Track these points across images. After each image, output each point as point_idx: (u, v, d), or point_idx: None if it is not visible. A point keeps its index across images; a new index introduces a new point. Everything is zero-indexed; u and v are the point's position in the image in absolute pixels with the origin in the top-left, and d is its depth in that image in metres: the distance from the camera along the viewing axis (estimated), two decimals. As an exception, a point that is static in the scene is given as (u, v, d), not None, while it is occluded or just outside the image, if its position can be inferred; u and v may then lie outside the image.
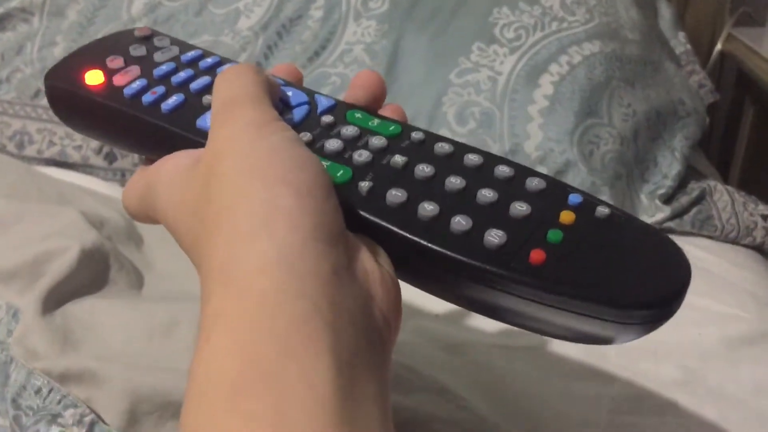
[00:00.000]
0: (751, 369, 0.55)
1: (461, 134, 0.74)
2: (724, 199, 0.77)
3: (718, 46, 1.17)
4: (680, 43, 0.99)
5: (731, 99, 1.25)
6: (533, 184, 0.28)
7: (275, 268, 0.21)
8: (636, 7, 0.88)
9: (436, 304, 0.58)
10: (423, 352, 0.52)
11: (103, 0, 0.87)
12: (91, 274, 0.52)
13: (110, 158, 0.78)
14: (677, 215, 0.74)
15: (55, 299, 0.48)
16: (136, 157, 0.78)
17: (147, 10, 0.85)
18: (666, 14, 1.00)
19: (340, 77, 0.79)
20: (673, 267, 0.26)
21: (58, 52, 0.85)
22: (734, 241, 0.75)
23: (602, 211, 0.27)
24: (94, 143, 0.78)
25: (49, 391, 0.42)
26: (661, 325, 0.25)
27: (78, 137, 0.78)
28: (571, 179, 0.72)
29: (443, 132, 0.74)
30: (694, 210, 0.75)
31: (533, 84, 0.76)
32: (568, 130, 0.73)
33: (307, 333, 0.20)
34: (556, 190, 0.28)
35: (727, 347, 0.58)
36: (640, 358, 0.55)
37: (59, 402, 0.42)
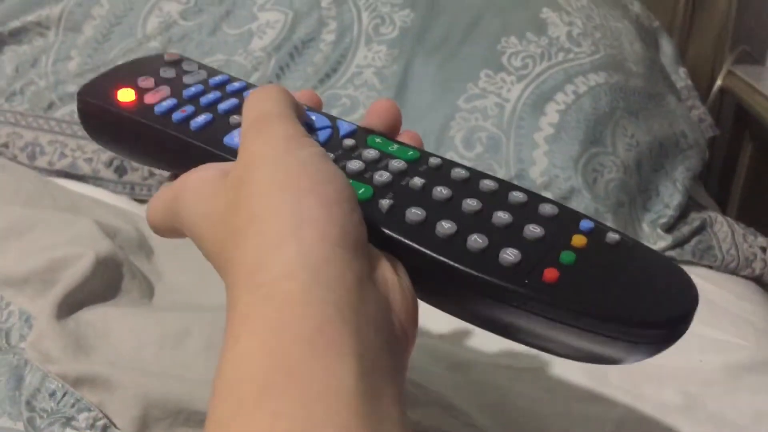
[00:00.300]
0: (750, 396, 0.56)
1: (468, 158, 0.75)
2: (724, 230, 0.78)
3: (718, 83, 1.19)
4: (681, 79, 1.01)
5: (730, 134, 1.27)
6: (546, 209, 0.29)
7: (302, 273, 0.22)
8: (640, 42, 0.91)
9: (442, 325, 0.58)
10: (429, 369, 0.53)
11: (118, 17, 0.88)
12: (104, 282, 0.52)
13: (120, 171, 0.79)
14: (678, 244, 0.75)
15: (69, 305, 0.49)
16: (145, 170, 0.79)
17: (162, 29, 0.87)
18: (668, 50, 1.02)
19: (350, 99, 0.80)
20: (681, 290, 0.27)
21: (73, 67, 0.86)
22: (734, 272, 0.76)
23: (613, 236, 0.28)
24: (105, 156, 0.79)
25: (63, 395, 0.43)
26: (669, 346, 0.26)
27: (89, 150, 0.80)
28: (575, 205, 0.73)
29: (450, 155, 0.75)
30: (694, 240, 0.76)
31: (539, 112, 0.77)
32: (573, 157, 0.75)
33: (332, 336, 0.21)
34: (568, 216, 0.29)
35: (727, 374, 0.59)
36: (642, 382, 0.56)
37: (73, 405, 0.42)
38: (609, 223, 0.73)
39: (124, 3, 0.89)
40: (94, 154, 0.79)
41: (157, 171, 0.79)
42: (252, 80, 0.78)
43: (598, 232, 0.28)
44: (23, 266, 0.53)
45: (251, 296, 0.23)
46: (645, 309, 0.26)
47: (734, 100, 1.20)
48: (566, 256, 0.26)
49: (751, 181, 1.21)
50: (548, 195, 0.73)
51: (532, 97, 0.78)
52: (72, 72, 0.86)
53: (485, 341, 0.58)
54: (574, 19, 0.86)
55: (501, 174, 0.74)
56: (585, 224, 0.28)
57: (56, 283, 0.50)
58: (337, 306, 0.22)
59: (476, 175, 0.31)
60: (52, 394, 0.43)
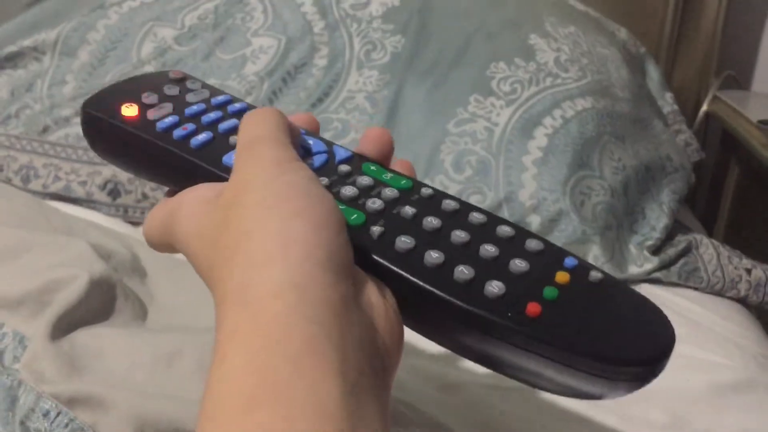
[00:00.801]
0: (736, 415, 0.57)
1: (458, 181, 0.76)
2: (709, 252, 0.80)
3: (704, 107, 1.21)
4: (667, 103, 1.03)
5: (716, 158, 1.29)
6: (532, 245, 0.30)
7: (288, 293, 0.23)
8: (626, 68, 0.92)
9: (432, 346, 0.59)
10: (419, 390, 0.54)
11: (113, 42, 0.90)
12: (98, 303, 0.53)
13: (114, 194, 0.80)
14: (665, 266, 0.77)
15: (64, 326, 0.49)
16: (138, 193, 0.80)
17: (156, 54, 0.88)
18: (654, 75, 1.04)
19: (341, 123, 0.82)
20: (659, 330, 0.28)
21: (68, 91, 0.87)
22: (719, 293, 0.77)
23: (595, 275, 0.29)
24: (99, 179, 0.80)
25: (57, 414, 0.43)
26: (647, 384, 0.27)
27: (83, 173, 0.80)
28: (564, 228, 0.74)
29: (440, 178, 0.76)
30: (681, 262, 0.78)
31: (528, 136, 0.79)
32: (561, 180, 0.76)
33: (317, 355, 0.22)
34: (553, 252, 0.30)
35: (713, 394, 0.59)
36: (629, 402, 0.56)
37: (66, 425, 0.43)
38: (596, 246, 0.74)
39: (119, 28, 0.90)
40: (89, 177, 0.80)
41: (150, 194, 0.79)
42: (245, 104, 0.79)
43: (581, 269, 0.29)
44: (18, 288, 0.53)
45: (238, 314, 0.23)
46: (624, 347, 0.26)
47: (720, 125, 1.22)
48: (549, 292, 0.27)
49: (738, 203, 1.23)
50: (537, 217, 0.75)
51: (520, 122, 0.80)
52: (67, 96, 0.87)
53: (475, 363, 0.58)
54: (561, 45, 0.88)
55: (490, 197, 0.75)
56: (569, 261, 0.29)
57: (50, 304, 0.51)
58: (322, 325, 0.23)
59: (466, 207, 0.31)
60: (46, 414, 0.43)
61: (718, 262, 0.78)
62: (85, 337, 0.50)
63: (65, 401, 0.44)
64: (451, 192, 0.60)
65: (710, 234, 1.16)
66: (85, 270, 0.54)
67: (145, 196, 0.80)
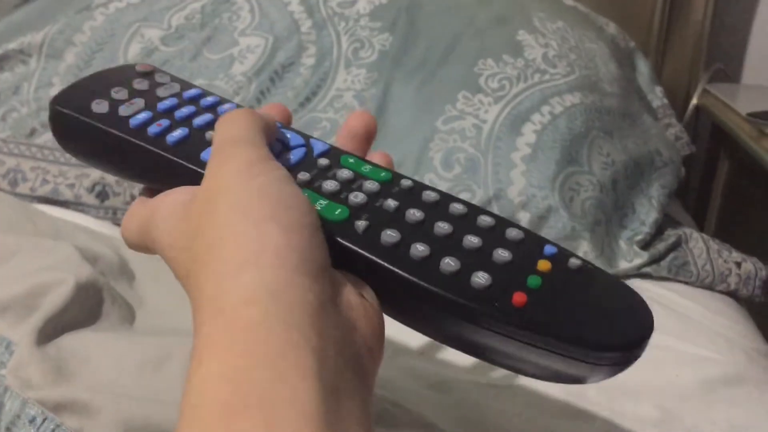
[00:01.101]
0: (725, 410, 0.57)
1: (447, 179, 0.76)
2: (699, 246, 0.80)
3: (694, 101, 1.21)
4: (657, 97, 1.03)
5: (706, 151, 1.29)
6: (513, 234, 0.30)
7: (263, 299, 0.23)
8: (615, 62, 0.92)
9: (421, 344, 0.59)
10: (409, 389, 0.54)
11: (100, 44, 0.89)
12: (85, 307, 0.53)
13: (102, 197, 0.79)
14: (654, 261, 0.77)
15: (50, 331, 0.49)
16: (127, 195, 0.80)
17: (143, 55, 0.88)
18: (643, 69, 1.04)
19: (330, 122, 0.81)
20: (638, 316, 0.28)
21: (55, 93, 0.87)
22: (709, 287, 0.77)
23: (574, 262, 0.29)
24: (87, 182, 0.79)
25: (43, 421, 0.43)
26: (627, 367, 0.28)
27: (71, 176, 0.80)
28: (553, 224, 0.74)
29: (430, 176, 0.76)
30: (670, 256, 0.78)
31: (516, 132, 0.79)
32: (549, 177, 0.76)
33: (295, 359, 0.22)
34: (533, 241, 0.30)
35: (703, 388, 0.59)
36: (619, 397, 0.56)
37: (53, 431, 0.42)
38: (586, 242, 0.74)
39: (106, 30, 0.90)
40: (77, 180, 0.80)
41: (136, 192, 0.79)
42: (233, 105, 0.79)
43: (560, 257, 0.29)
44: (4, 292, 0.53)
45: (213, 321, 0.23)
46: (606, 332, 0.27)
47: (710, 118, 1.22)
48: (533, 281, 0.28)
49: (728, 197, 1.23)
50: (526, 214, 0.75)
51: (509, 118, 0.80)
52: (54, 98, 0.86)
53: (465, 360, 0.59)
54: (549, 41, 0.88)
55: (480, 194, 0.75)
56: (548, 249, 0.29)
57: (37, 309, 0.51)
58: (299, 329, 0.22)
59: (446, 198, 0.31)
60: (32, 420, 0.43)
61: (708, 256, 0.78)
62: (71, 341, 0.49)
63: (51, 407, 0.43)
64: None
65: (701, 227, 1.16)
66: (72, 274, 0.54)
67: (133, 198, 0.80)
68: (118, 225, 0.79)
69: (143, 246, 0.31)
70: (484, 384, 0.56)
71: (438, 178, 0.76)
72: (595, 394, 0.57)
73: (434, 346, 0.59)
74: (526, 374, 0.29)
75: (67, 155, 0.81)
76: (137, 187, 0.79)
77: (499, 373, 0.56)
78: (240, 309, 0.23)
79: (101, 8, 0.92)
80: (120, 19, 0.91)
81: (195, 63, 0.86)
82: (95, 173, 0.80)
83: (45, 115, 0.85)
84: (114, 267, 0.61)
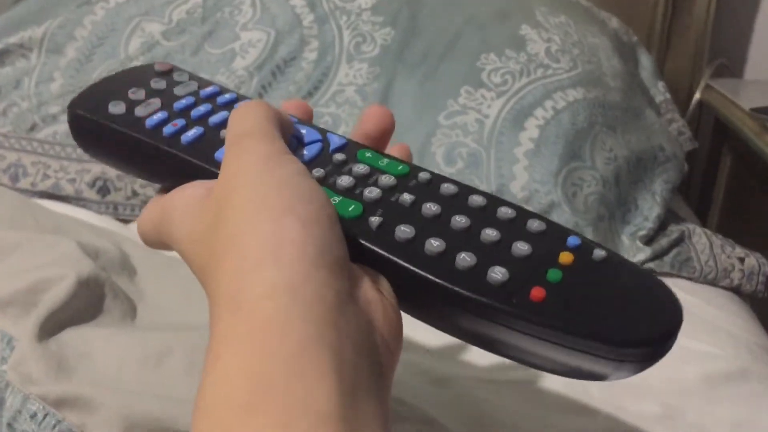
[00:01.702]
0: (729, 406, 0.57)
1: (449, 174, 0.76)
2: (702, 241, 0.79)
3: (697, 96, 1.21)
4: (660, 92, 1.02)
5: (709, 147, 1.29)
6: (534, 225, 0.29)
7: (281, 294, 0.22)
8: (617, 57, 0.92)
9: (425, 339, 0.59)
10: (411, 385, 0.53)
11: (101, 38, 0.89)
12: (86, 302, 0.52)
13: (103, 192, 0.79)
14: (657, 256, 0.76)
15: (51, 327, 0.49)
16: (128, 190, 0.79)
17: (144, 49, 0.87)
18: (646, 64, 1.04)
19: (332, 117, 0.81)
20: (665, 308, 0.27)
21: (55, 88, 0.87)
22: (712, 283, 0.77)
23: (599, 253, 0.28)
24: (88, 177, 0.79)
25: (44, 416, 0.43)
26: (654, 363, 0.26)
27: (72, 170, 0.80)
28: (556, 219, 0.74)
29: (432, 172, 0.76)
30: (673, 251, 0.77)
31: (519, 127, 0.78)
32: (552, 172, 0.75)
33: (312, 355, 0.21)
34: (555, 232, 0.29)
35: (706, 385, 0.59)
36: (622, 394, 0.56)
37: (54, 427, 0.42)
38: (589, 236, 0.74)
39: (106, 24, 0.90)
40: (77, 175, 0.80)
41: (140, 191, 0.79)
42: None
43: (585, 248, 0.28)
44: (5, 288, 0.53)
45: (232, 316, 0.23)
46: (630, 328, 0.26)
47: (713, 113, 1.22)
48: (553, 274, 0.27)
49: (731, 192, 1.23)
50: (529, 209, 0.74)
51: (511, 113, 0.79)
52: (54, 93, 0.86)
53: (467, 356, 0.58)
54: (552, 35, 0.87)
55: (482, 189, 0.75)
56: (572, 240, 0.28)
57: (38, 304, 0.50)
58: (316, 325, 0.22)
59: (465, 190, 0.31)
60: (33, 416, 0.43)
61: (711, 251, 0.78)
62: (73, 337, 0.49)
63: (53, 402, 0.43)
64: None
65: (704, 223, 1.16)
66: (73, 269, 0.53)
67: (134, 193, 0.79)
68: (119, 220, 0.79)
69: (159, 241, 0.31)
70: (486, 380, 0.56)
71: (440, 173, 0.76)
72: (598, 391, 0.56)
73: (436, 343, 0.59)
74: (545, 370, 0.28)
75: (68, 150, 0.81)
76: (138, 182, 0.79)
77: (502, 369, 0.56)
78: (258, 304, 0.22)
79: (102, 2, 0.92)
80: (121, 13, 0.90)
81: (196, 57, 0.86)
82: (96, 168, 0.79)
83: (46, 110, 0.85)
84: (115, 262, 0.61)
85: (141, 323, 0.56)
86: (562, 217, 0.74)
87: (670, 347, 0.26)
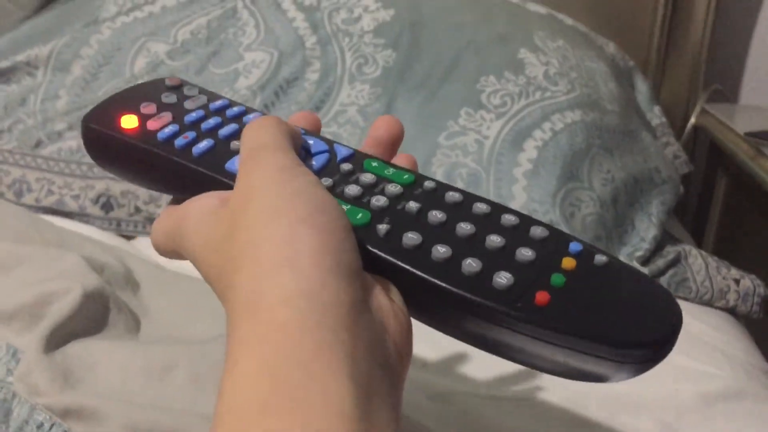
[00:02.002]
0: (724, 424, 0.58)
1: (449, 194, 0.77)
2: (698, 262, 0.80)
3: (692, 120, 1.23)
4: (656, 116, 1.04)
5: (704, 170, 1.30)
6: (537, 232, 0.30)
7: (298, 300, 0.23)
8: (614, 81, 0.94)
9: (423, 353, 0.60)
10: (411, 399, 0.54)
11: (107, 57, 0.90)
12: (91, 316, 0.53)
13: (107, 208, 0.80)
14: (654, 277, 0.77)
15: (57, 339, 0.49)
16: (131, 207, 0.80)
17: (149, 69, 0.89)
18: (642, 89, 1.05)
19: (334, 137, 0.82)
20: (665, 312, 0.28)
21: (61, 106, 0.88)
22: (708, 303, 0.78)
23: (600, 258, 0.29)
24: (92, 193, 0.80)
25: (51, 426, 0.43)
26: (654, 365, 0.27)
27: (76, 187, 0.81)
28: (554, 239, 0.75)
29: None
30: (670, 272, 0.78)
31: (518, 148, 0.79)
32: (550, 192, 0.77)
33: (329, 360, 0.22)
34: (557, 239, 0.30)
35: (702, 403, 0.60)
36: (619, 411, 0.57)
37: (60, 437, 0.43)
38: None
39: (113, 43, 0.91)
40: (81, 191, 0.80)
41: (143, 207, 0.80)
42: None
43: (586, 254, 0.29)
44: (11, 301, 0.53)
45: (249, 322, 0.24)
46: (631, 330, 0.27)
47: (708, 137, 1.23)
48: (556, 279, 0.28)
49: (726, 215, 1.24)
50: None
51: (511, 134, 0.81)
52: (60, 111, 0.87)
53: (465, 371, 0.59)
54: (550, 59, 0.89)
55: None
56: (574, 246, 0.29)
57: (44, 317, 0.51)
58: (333, 330, 0.23)
59: (469, 198, 0.32)
60: (40, 426, 0.43)
61: (707, 272, 0.79)
62: (78, 349, 0.50)
63: (59, 413, 0.44)
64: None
65: (699, 245, 1.17)
66: (79, 283, 0.54)
67: (138, 210, 0.80)
68: (123, 236, 0.80)
69: (173, 251, 0.32)
70: (486, 396, 0.56)
71: (440, 193, 0.77)
72: (597, 407, 0.57)
73: (435, 357, 0.60)
74: (550, 372, 0.29)
75: (72, 167, 0.82)
76: (141, 198, 0.80)
77: (501, 385, 0.57)
78: (276, 309, 0.23)
79: (108, 22, 0.93)
80: (127, 33, 0.92)
81: (200, 77, 0.87)
82: (100, 184, 0.80)
83: (51, 127, 0.86)
84: (119, 276, 0.62)
85: (144, 337, 0.57)
86: (560, 237, 0.75)
87: (669, 350, 0.27)
